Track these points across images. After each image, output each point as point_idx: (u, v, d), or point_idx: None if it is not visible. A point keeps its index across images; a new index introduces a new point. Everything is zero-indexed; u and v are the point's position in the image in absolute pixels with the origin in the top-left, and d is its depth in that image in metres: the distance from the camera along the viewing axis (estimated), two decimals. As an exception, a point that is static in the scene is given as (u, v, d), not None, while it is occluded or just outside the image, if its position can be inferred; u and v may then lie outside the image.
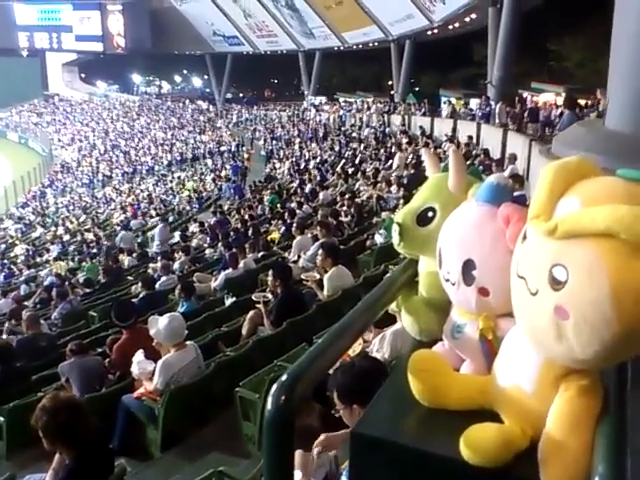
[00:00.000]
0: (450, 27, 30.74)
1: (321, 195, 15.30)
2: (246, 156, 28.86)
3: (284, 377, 0.88)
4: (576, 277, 0.78)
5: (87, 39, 51.23)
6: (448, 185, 1.20)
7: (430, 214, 1.21)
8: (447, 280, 1.07)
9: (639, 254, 0.75)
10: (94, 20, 50.19)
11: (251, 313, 6.22)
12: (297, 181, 19.29)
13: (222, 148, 32.76)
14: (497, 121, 16.98)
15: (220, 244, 11.72)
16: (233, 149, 31.76)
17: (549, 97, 26.07)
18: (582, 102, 15.72)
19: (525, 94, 25.64)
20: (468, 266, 1.02)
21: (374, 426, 1.01)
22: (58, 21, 51.48)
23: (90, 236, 19.97)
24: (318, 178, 18.52)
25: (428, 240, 1.16)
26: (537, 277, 0.84)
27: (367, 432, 1.00)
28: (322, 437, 2.43)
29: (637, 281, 0.75)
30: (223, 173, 26.48)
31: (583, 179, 0.85)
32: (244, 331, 6.15)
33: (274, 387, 0.87)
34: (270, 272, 6.49)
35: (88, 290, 11.37)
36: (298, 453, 2.33)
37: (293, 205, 14.63)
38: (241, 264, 8.97)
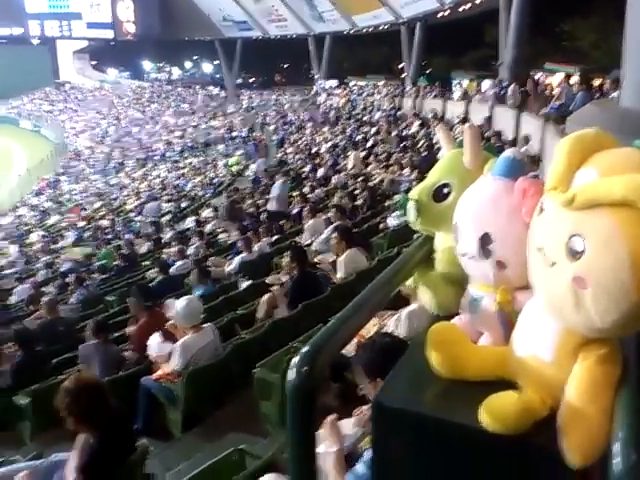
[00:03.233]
0: (461, 9, 30.35)
1: (334, 179, 15.28)
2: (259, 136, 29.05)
3: (305, 348, 0.91)
4: (594, 247, 0.80)
5: (97, 26, 51.16)
6: (463, 161, 1.21)
7: (446, 190, 1.22)
8: (464, 254, 1.09)
9: (656, 223, 0.76)
10: (104, 7, 50.10)
11: (266, 296, 6.27)
12: (309, 165, 19.26)
13: (233, 134, 32.73)
14: (510, 102, 16.80)
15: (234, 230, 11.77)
16: (244, 134, 31.73)
17: (562, 77, 25.71)
18: (596, 82, 15.51)
19: (538, 75, 25.32)
20: (485, 240, 1.04)
21: (394, 397, 1.04)
22: (68, 8, 51.37)
23: (105, 222, 20.14)
24: (330, 162, 18.47)
25: (444, 216, 1.18)
26: (555, 248, 0.85)
27: (388, 403, 1.03)
28: (329, 422, 2.41)
29: None
30: (231, 161, 26.52)
31: (600, 150, 0.86)
32: (259, 314, 6.20)
33: (296, 358, 0.89)
34: (286, 254, 6.53)
35: (104, 275, 11.53)
36: (330, 422, 2.36)
37: (305, 189, 14.64)
38: (255, 248, 9.03)
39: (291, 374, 0.89)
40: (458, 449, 0.96)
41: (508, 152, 1.08)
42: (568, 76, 23.63)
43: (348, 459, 2.30)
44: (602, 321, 0.83)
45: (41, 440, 4.99)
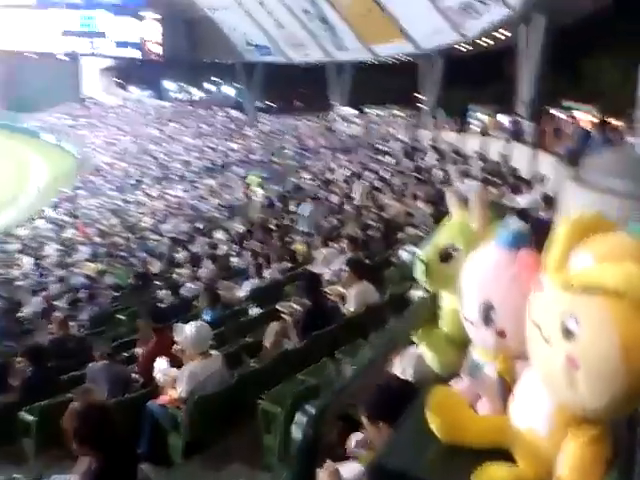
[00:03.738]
0: (482, 43, 30.65)
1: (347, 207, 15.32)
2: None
3: (314, 412, 0.95)
4: (587, 330, 0.84)
5: (125, 45, 52.22)
6: (471, 224, 1.26)
7: (453, 252, 1.27)
8: (467, 319, 1.13)
9: (646, 312, 0.80)
10: (133, 27, 51.16)
11: (274, 325, 6.25)
12: (323, 192, 19.35)
13: (251, 157, 33.04)
14: (527, 140, 16.85)
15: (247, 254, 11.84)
16: (261, 158, 32.03)
17: (580, 116, 25.74)
18: (614, 124, 15.51)
19: (556, 112, 25.38)
20: (487, 308, 1.07)
21: (392, 458, 1.07)
22: (98, 27, 52.56)
23: (119, 239, 20.32)
24: (345, 190, 18.55)
25: (451, 277, 1.22)
26: (551, 326, 0.89)
27: (385, 464, 1.06)
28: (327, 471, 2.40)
29: None
30: (247, 180, 26.73)
31: (597, 234, 0.90)
32: (267, 343, 6.18)
33: (305, 419, 0.93)
34: (298, 282, 6.54)
35: (116, 293, 11.61)
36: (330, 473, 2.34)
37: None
38: (266, 274, 9.05)
39: (299, 433, 0.94)
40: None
41: (511, 223, 1.12)
42: (587, 116, 23.69)
43: None
44: (593, 402, 0.86)
45: (44, 458, 5.01)
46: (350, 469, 2.47)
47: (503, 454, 1.02)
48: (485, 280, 1.09)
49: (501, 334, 1.07)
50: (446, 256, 1.28)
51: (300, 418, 0.94)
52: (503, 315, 1.06)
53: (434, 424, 1.07)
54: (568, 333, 0.85)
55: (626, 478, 0.87)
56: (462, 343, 1.20)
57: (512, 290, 1.04)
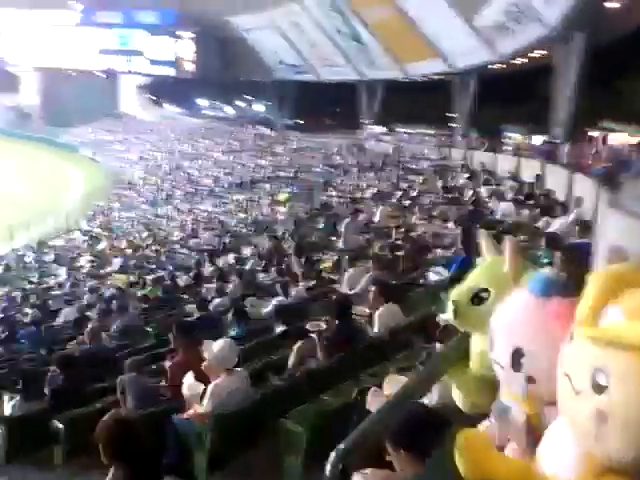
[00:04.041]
0: (517, 62, 30.53)
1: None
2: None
3: (341, 448, 0.97)
4: (617, 385, 0.85)
5: (160, 64, 53.41)
6: (503, 269, 1.27)
7: (484, 295, 1.28)
8: (497, 363, 1.14)
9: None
10: (168, 46, 52.34)
11: (299, 344, 6.25)
12: (351, 210, 19.33)
13: (280, 173, 33.29)
14: (563, 161, 16.51)
15: (274, 270, 11.89)
16: (291, 175, 32.23)
17: (619, 137, 25.31)
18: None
19: (594, 133, 25.03)
20: (517, 354, 1.09)
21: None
22: (134, 45, 53.93)
23: (150, 252, 20.62)
24: (373, 209, 18.51)
25: (481, 319, 1.23)
26: (581, 378, 0.90)
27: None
28: None
29: None
30: (280, 197, 26.91)
31: (629, 288, 0.91)
32: (290, 362, 6.19)
33: (333, 455, 0.96)
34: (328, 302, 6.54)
35: (145, 305, 11.75)
36: None
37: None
38: (292, 292, 9.08)
39: (327, 470, 0.96)
40: None
41: (545, 271, 1.14)
42: (625, 137, 23.21)
43: None
44: (620, 454, 0.87)
45: (72, 466, 5.09)
46: None
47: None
48: (516, 326, 1.10)
49: (530, 380, 1.08)
50: (477, 298, 1.29)
51: (332, 456, 0.97)
52: (533, 362, 1.07)
53: (461, 465, 1.09)
54: (598, 387, 0.86)
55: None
56: (491, 386, 1.21)
57: (543, 338, 1.05)
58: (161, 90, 61.07)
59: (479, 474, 1.07)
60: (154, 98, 62.38)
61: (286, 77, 48.12)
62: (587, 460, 0.95)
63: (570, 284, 1.08)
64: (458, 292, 1.33)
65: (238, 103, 65.72)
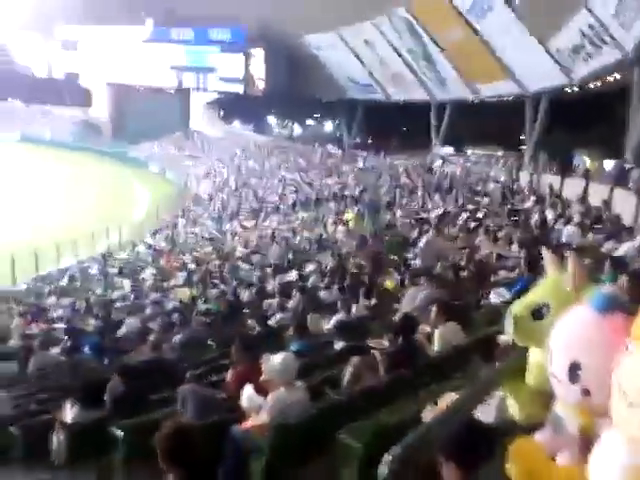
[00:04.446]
0: (591, 85, 29.78)
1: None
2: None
3: (398, 449, 1.02)
4: (669, 398, 0.85)
5: (230, 80, 54.75)
6: (564, 285, 1.29)
7: (544, 310, 1.30)
8: (554, 376, 1.15)
9: None
10: (238, 63, 53.65)
11: (355, 359, 6.27)
12: (416, 230, 19.25)
13: (346, 192, 33.42)
14: (633, 185, 16.10)
15: (336, 287, 11.95)
16: (356, 194, 32.31)
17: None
18: None
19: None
20: (575, 367, 1.10)
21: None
22: (205, 63, 55.54)
23: (213, 267, 21.01)
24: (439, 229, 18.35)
25: (540, 333, 1.25)
26: (635, 390, 0.91)
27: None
28: None
29: None
30: (345, 217, 27.01)
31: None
32: (345, 378, 6.21)
33: (388, 457, 1.00)
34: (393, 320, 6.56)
35: (208, 320, 11.98)
36: None
37: (409, 255, 14.63)
38: (354, 309, 9.12)
39: (384, 469, 1.00)
40: None
41: (606, 288, 1.15)
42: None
43: None
44: None
45: (129, 474, 5.20)
46: None
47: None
48: (575, 340, 1.12)
49: (586, 392, 1.09)
50: (538, 313, 1.31)
51: (386, 457, 1.01)
52: (589, 375, 1.08)
53: (514, 473, 1.11)
54: None
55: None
56: (546, 398, 1.22)
57: (600, 352, 1.06)
58: (229, 107, 62.33)
59: (530, 480, 1.09)
60: (222, 114, 63.71)
61: (355, 96, 48.45)
62: (636, 471, 0.96)
63: (630, 303, 1.09)
64: (519, 306, 1.35)
65: (307, 121, 66.43)
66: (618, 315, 1.06)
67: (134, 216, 36.00)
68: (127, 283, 20.97)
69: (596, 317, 1.10)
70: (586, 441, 1.08)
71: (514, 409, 1.35)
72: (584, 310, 1.14)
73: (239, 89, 55.20)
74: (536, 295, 1.36)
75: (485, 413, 3.71)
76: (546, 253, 1.45)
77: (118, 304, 17.46)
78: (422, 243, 13.17)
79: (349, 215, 25.94)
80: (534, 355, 1.34)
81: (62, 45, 63.12)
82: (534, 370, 1.32)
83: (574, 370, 1.10)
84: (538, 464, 1.09)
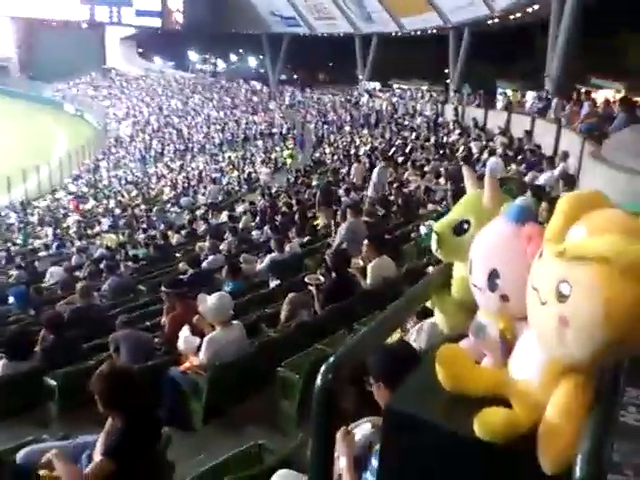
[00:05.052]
0: (511, 17, 30.19)
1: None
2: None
3: (331, 359, 1.09)
4: (577, 293, 0.96)
5: (146, 14, 52.00)
6: (483, 202, 1.38)
7: (465, 226, 1.39)
8: (475, 286, 1.25)
9: (627, 277, 0.93)
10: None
11: (290, 296, 6.39)
12: (346, 167, 19.38)
13: (273, 130, 33.06)
14: (552, 116, 16.63)
15: (267, 227, 11.97)
16: (284, 131, 32.02)
17: (607, 93, 25.32)
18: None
19: (583, 89, 25.00)
20: (493, 275, 1.20)
21: (405, 404, 1.22)
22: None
23: (140, 211, 20.57)
24: (367, 165, 18.54)
25: (462, 248, 1.34)
26: (547, 290, 1.01)
27: (398, 408, 1.21)
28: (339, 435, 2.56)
29: (625, 298, 0.93)
30: (273, 155, 26.79)
31: (592, 210, 1.02)
32: (282, 314, 6.34)
33: (323, 367, 1.07)
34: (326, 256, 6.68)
35: (136, 265, 11.77)
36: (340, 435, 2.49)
37: (340, 192, 14.75)
38: (287, 248, 9.19)
39: (318, 380, 1.07)
40: (454, 454, 1.13)
41: (519, 201, 1.24)
42: (615, 94, 23.22)
43: (360, 462, 2.44)
44: (580, 354, 1.00)
45: (66, 422, 5.11)
46: (363, 429, 2.61)
47: (501, 402, 1.15)
48: (493, 250, 1.21)
49: (504, 298, 1.19)
50: (459, 229, 1.40)
51: (322, 367, 1.07)
52: (507, 282, 1.18)
53: (441, 375, 1.21)
54: (561, 296, 0.98)
55: (605, 415, 1.01)
56: (470, 308, 1.32)
57: (516, 260, 1.15)
58: (148, 42, 59.41)
59: (457, 383, 1.20)
60: (140, 51, 60.78)
61: (279, 30, 47.24)
62: (552, 365, 1.08)
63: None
64: (441, 224, 1.43)
65: (230, 57, 64.38)
66: (533, 224, 1.15)
67: (52, 161, 34.05)
68: (49, 231, 20.22)
69: (512, 227, 1.19)
70: (507, 344, 1.19)
71: (441, 320, 1.46)
72: (501, 222, 1.23)
73: (156, 23, 52.59)
74: (457, 212, 1.44)
75: (419, 340, 3.92)
76: (466, 171, 1.52)
77: (41, 254, 16.85)
78: (374, 174, 13.39)
79: (286, 153, 25.79)
80: (458, 269, 1.43)
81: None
82: (458, 283, 1.41)
83: (493, 278, 1.19)
84: (464, 368, 1.20)
